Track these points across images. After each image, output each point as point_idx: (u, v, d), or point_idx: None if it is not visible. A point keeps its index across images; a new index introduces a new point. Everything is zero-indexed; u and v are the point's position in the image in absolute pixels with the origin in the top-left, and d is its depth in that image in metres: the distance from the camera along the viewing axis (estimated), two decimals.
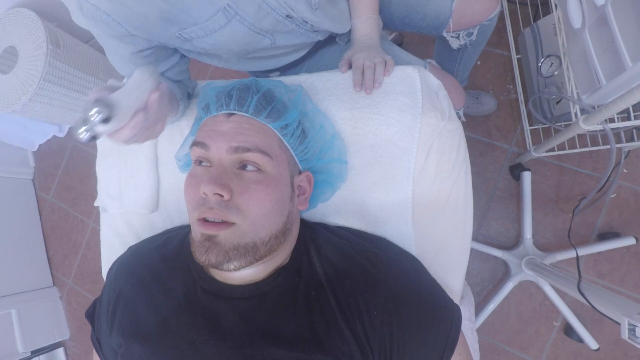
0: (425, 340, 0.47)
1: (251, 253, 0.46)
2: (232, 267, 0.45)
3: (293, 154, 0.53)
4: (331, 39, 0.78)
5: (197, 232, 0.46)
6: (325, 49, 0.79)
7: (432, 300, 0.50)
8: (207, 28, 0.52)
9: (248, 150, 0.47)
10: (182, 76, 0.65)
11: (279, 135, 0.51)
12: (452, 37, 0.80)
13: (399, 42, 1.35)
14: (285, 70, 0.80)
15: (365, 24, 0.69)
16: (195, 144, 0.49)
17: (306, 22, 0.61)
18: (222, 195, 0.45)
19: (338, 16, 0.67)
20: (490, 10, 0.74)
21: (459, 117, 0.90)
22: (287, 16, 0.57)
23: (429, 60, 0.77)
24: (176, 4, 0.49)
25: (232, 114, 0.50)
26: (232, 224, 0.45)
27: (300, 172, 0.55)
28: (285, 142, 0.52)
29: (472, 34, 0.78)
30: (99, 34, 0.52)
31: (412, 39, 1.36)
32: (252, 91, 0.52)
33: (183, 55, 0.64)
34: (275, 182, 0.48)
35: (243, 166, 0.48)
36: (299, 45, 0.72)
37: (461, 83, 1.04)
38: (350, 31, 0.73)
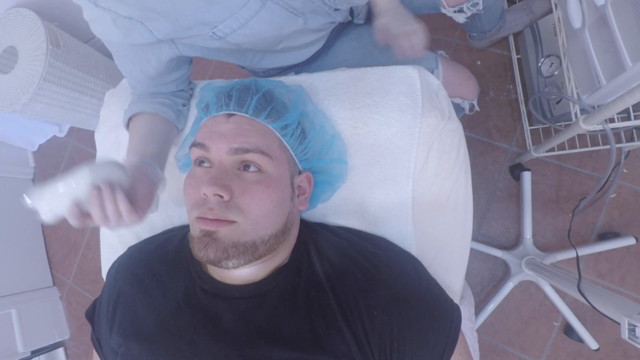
0: (425, 340, 0.47)
1: (250, 251, 0.46)
2: (230, 264, 0.45)
3: (293, 154, 0.53)
4: (348, 23, 0.78)
5: (196, 228, 0.46)
6: (340, 43, 0.79)
7: (432, 300, 0.50)
8: (242, 17, 0.51)
9: (248, 151, 0.47)
10: (184, 84, 0.65)
11: (278, 135, 0.51)
12: (455, 12, 0.76)
13: None
14: (301, 68, 0.79)
15: None
16: (195, 144, 0.49)
17: None
18: (222, 196, 0.45)
19: None
20: None
21: (473, 108, 0.88)
22: None
23: (439, 52, 0.76)
24: None
25: (232, 115, 0.50)
26: (233, 222, 0.45)
27: (300, 173, 0.55)
28: (285, 143, 0.52)
29: (477, 3, 0.73)
30: (124, 43, 0.52)
31: None
32: (252, 91, 0.51)
33: (191, 62, 0.65)
34: (275, 182, 0.48)
35: (244, 167, 0.48)
36: (321, 33, 0.71)
37: (492, 28, 1.03)
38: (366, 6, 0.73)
